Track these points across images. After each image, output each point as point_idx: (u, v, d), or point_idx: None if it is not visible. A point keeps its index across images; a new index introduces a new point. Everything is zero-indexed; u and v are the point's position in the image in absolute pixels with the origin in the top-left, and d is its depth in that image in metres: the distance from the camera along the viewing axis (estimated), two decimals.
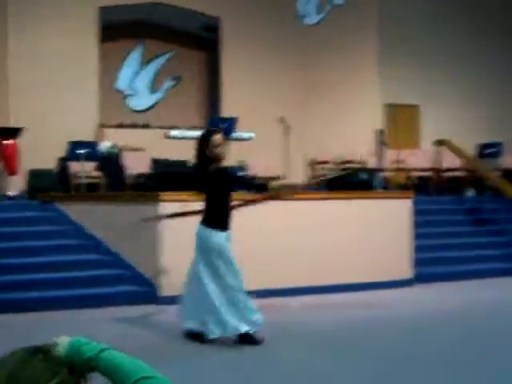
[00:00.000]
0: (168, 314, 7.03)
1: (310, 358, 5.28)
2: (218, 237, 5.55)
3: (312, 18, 15.57)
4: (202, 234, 5.62)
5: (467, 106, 15.69)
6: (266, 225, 8.09)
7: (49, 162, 11.51)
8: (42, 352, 1.51)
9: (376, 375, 4.82)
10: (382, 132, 10.85)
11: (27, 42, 13.05)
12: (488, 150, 12.93)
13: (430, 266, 9.55)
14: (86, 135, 11.76)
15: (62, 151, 11.25)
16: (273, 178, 12.28)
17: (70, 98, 13.20)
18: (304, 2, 15.50)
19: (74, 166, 11.24)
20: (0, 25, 12.89)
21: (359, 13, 15.10)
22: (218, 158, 5.64)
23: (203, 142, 5.68)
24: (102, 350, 1.53)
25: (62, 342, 1.55)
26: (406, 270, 8.91)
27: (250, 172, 12.09)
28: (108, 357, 1.52)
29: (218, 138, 5.66)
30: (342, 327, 6.40)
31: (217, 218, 5.59)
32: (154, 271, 7.34)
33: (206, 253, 5.57)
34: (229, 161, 10.77)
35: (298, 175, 14.00)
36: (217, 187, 5.58)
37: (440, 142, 12.44)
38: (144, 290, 7.77)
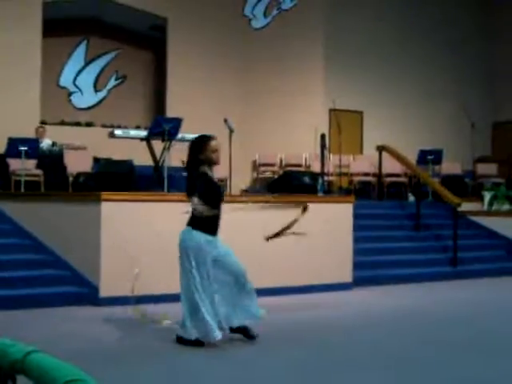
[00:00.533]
0: (108, 315, 6.97)
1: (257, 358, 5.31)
2: (199, 237, 5.54)
3: (259, 22, 15.66)
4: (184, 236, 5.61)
5: (409, 113, 15.99)
6: None
7: None
8: None
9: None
10: (323, 136, 10.95)
11: None
12: (428, 157, 13.21)
13: (369, 269, 9.70)
14: (26, 132, 11.54)
15: (1, 148, 11.01)
16: (218, 180, 12.27)
17: (10, 94, 12.93)
18: (252, 5, 15.58)
19: (14, 163, 11.02)
20: None
21: (306, 19, 15.24)
22: (212, 163, 5.67)
23: (198, 147, 5.68)
24: (29, 353, 1.50)
25: None
26: (346, 274, 9.02)
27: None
28: (34, 360, 1.49)
29: (214, 143, 5.72)
30: (285, 327, 6.44)
31: (203, 222, 5.54)
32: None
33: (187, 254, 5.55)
34: (172, 162, 10.77)
35: (243, 177, 14.05)
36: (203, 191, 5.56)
37: (381, 148, 12.65)
38: (84, 291, 7.67)
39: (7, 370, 1.49)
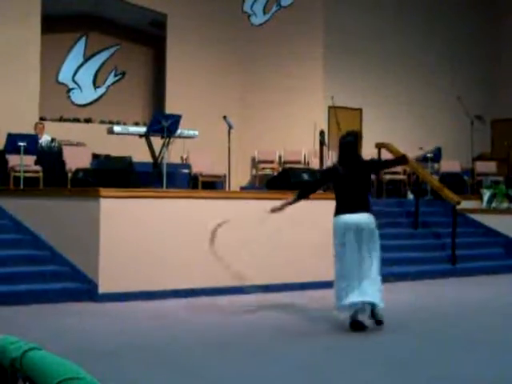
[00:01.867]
0: (107, 311, 6.97)
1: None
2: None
3: (258, 18, 15.65)
4: None
5: (408, 110, 15.99)
6: (202, 222, 8.09)
7: None
8: None
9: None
10: (322, 133, 10.95)
11: None
12: (427, 155, 13.21)
13: None
14: (25, 128, 11.53)
15: (0, 144, 11.00)
16: (217, 176, 12.29)
17: (9, 90, 12.90)
18: (251, 1, 15.57)
19: (13, 160, 11.01)
20: None
21: (305, 15, 15.22)
22: None
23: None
24: (28, 351, 1.49)
25: None
26: None
27: (194, 170, 12.08)
28: (33, 357, 1.47)
29: None
30: (278, 325, 6.44)
31: None
32: None
33: None
34: (171, 158, 10.77)
35: (242, 174, 14.06)
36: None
37: (380, 145, 12.65)
38: (83, 287, 7.67)
39: (8, 368, 1.49)
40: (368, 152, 14.31)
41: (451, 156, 14.41)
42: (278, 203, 6.58)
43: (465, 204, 11.42)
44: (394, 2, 16.00)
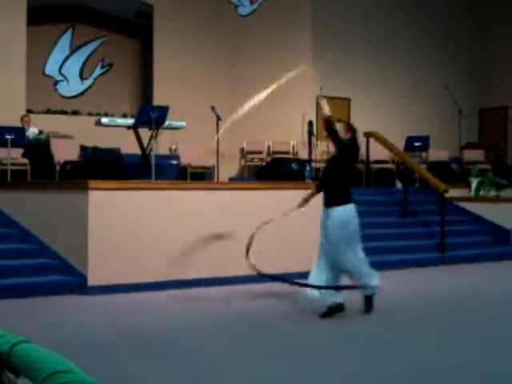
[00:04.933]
0: (96, 304, 6.96)
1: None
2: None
3: (246, 8, 15.60)
4: None
5: (396, 100, 16.01)
6: (191, 214, 8.09)
7: None
8: None
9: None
10: (310, 123, 10.96)
11: None
12: (415, 143, 13.25)
13: None
14: (12, 121, 11.46)
15: None
16: (206, 168, 12.28)
17: None
18: None
19: (0, 152, 10.94)
20: None
21: (293, 5, 15.18)
22: None
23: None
24: (16, 344, 1.48)
25: None
26: None
27: (183, 161, 12.06)
28: (21, 350, 1.46)
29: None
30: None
31: None
32: None
33: None
34: (160, 150, 10.75)
35: (231, 165, 14.03)
36: None
37: (369, 134, 12.66)
38: (72, 280, 7.65)
39: (3, 363, 1.48)
40: None
41: (439, 145, 14.44)
42: (300, 197, 6.71)
43: (453, 192, 11.46)
44: None
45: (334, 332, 5.92)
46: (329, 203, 6.30)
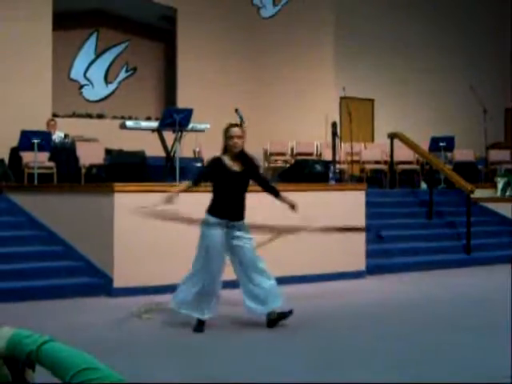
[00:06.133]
0: (122, 306, 7.00)
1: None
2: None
3: (268, 11, 15.62)
4: None
5: (421, 100, 15.92)
6: None
7: (0, 152, 11.32)
8: None
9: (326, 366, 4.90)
10: (334, 124, 10.93)
11: None
12: (440, 144, 13.16)
13: (382, 257, 9.69)
14: (39, 125, 11.59)
15: (14, 141, 11.06)
16: None
17: (22, 87, 12.96)
18: None
19: (27, 156, 11.07)
20: None
21: (315, 6, 15.18)
22: (229, 150, 5.82)
23: (223, 134, 5.91)
24: (44, 343, 1.50)
25: (4, 335, 1.53)
26: (359, 262, 9.01)
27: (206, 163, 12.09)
28: (49, 349, 1.49)
29: (232, 130, 5.88)
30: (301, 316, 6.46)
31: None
32: None
33: None
34: (184, 152, 10.79)
35: None
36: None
37: (393, 135, 12.61)
38: (98, 282, 7.72)
39: (24, 361, 1.50)
40: (381, 142, 14.31)
41: (465, 145, 14.33)
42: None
43: (479, 193, 11.36)
44: None
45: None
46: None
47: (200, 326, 5.79)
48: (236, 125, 6.10)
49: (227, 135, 5.81)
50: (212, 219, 5.77)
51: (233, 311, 6.39)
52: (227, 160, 5.78)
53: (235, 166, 5.80)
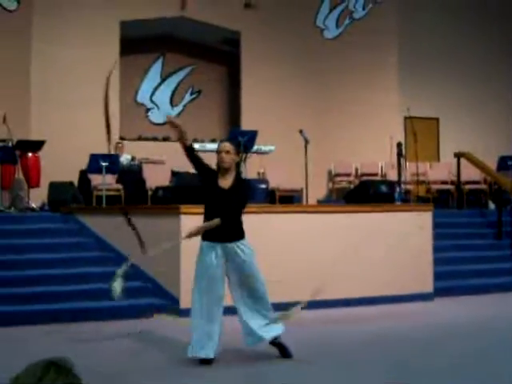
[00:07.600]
0: (188, 326, 7.05)
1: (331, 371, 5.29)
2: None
3: (331, 32, 15.64)
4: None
5: (487, 118, 15.63)
6: (286, 237, 8.11)
7: (69, 175, 11.62)
8: (55, 365, 1.53)
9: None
10: (400, 144, 10.84)
11: (49, 55, 13.19)
12: (509, 163, 12.86)
13: (450, 279, 9.51)
14: (106, 148, 11.88)
15: (82, 164, 11.35)
16: (294, 191, 12.32)
17: (91, 111, 13.32)
18: (324, 15, 15.59)
19: (95, 179, 11.34)
20: (24, 40, 13.04)
21: (378, 27, 15.13)
22: (219, 166, 5.63)
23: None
24: None
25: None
26: (426, 284, 8.86)
27: (271, 184, 12.14)
28: None
29: (219, 145, 5.71)
30: (366, 339, 6.38)
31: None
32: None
33: None
34: (249, 174, 10.86)
35: (318, 187, 14.02)
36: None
37: (460, 155, 12.40)
38: (165, 303, 7.80)
39: None
40: (447, 161, 14.07)
41: None
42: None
43: None
44: (470, 7, 15.70)
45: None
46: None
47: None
48: (227, 140, 5.92)
49: (216, 150, 5.63)
50: (203, 243, 5.54)
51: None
52: (219, 176, 5.58)
53: (223, 183, 5.52)
